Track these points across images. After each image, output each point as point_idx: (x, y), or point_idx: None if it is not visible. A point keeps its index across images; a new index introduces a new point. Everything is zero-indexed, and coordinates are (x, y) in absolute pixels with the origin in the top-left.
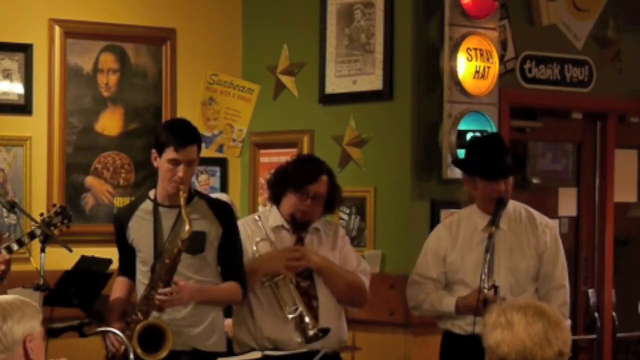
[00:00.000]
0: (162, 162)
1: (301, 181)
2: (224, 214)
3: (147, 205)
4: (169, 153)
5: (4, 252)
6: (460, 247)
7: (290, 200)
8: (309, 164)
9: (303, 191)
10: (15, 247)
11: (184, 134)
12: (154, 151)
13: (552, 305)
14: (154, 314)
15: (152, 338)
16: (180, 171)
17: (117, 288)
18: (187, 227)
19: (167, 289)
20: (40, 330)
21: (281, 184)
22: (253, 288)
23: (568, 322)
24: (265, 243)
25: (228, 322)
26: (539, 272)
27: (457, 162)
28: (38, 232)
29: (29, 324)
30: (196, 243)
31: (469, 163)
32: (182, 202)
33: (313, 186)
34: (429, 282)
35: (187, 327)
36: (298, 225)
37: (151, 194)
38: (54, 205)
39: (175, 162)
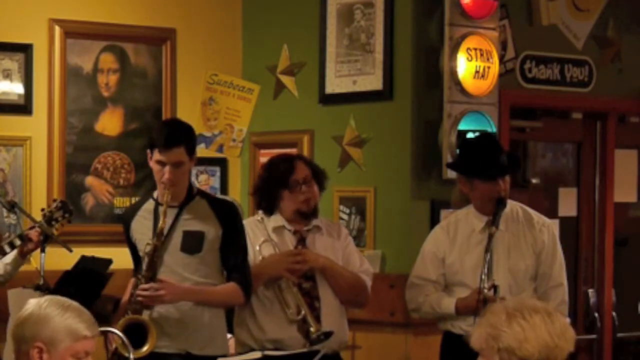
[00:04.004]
0: (152, 162)
1: (285, 178)
2: (226, 214)
3: (149, 204)
4: (156, 154)
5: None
6: (459, 248)
7: (288, 199)
8: (280, 160)
9: (292, 184)
10: (17, 242)
11: (169, 136)
12: (148, 151)
13: (551, 303)
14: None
15: (137, 335)
16: (167, 172)
17: (128, 289)
18: (160, 224)
19: (147, 285)
20: (65, 349)
21: (269, 193)
22: (256, 290)
23: (567, 320)
24: (268, 244)
25: (231, 342)
26: (537, 271)
27: (453, 164)
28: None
29: (45, 333)
30: (193, 243)
31: (466, 165)
32: (165, 198)
33: (296, 174)
34: (428, 284)
35: (180, 329)
36: (307, 215)
37: (155, 193)
38: (54, 200)
39: (161, 164)
